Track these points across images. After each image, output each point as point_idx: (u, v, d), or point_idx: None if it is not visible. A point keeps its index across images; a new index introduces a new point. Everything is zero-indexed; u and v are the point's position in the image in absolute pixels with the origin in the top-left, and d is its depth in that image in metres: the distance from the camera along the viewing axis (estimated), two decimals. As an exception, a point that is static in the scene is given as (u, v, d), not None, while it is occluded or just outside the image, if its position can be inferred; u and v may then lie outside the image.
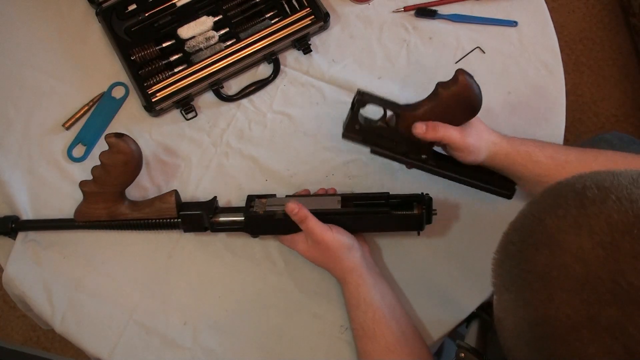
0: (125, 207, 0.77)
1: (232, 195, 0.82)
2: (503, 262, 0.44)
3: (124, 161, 0.74)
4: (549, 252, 0.39)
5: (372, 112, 0.73)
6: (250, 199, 0.78)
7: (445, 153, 0.75)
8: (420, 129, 0.69)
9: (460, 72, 0.68)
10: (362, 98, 0.71)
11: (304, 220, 0.71)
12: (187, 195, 0.83)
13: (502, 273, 0.44)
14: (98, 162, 0.75)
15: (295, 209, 0.71)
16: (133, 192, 0.82)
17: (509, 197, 0.73)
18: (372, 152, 0.73)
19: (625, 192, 0.38)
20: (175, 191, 0.78)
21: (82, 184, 0.76)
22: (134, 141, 0.76)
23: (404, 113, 0.71)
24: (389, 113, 0.72)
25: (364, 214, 0.74)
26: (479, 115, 0.71)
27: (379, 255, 0.80)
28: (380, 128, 0.72)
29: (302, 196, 0.78)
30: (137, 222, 0.77)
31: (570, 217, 0.39)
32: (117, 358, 0.77)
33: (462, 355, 0.66)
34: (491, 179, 0.74)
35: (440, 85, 0.70)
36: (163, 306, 0.79)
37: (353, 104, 0.72)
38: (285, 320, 0.78)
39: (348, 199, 0.76)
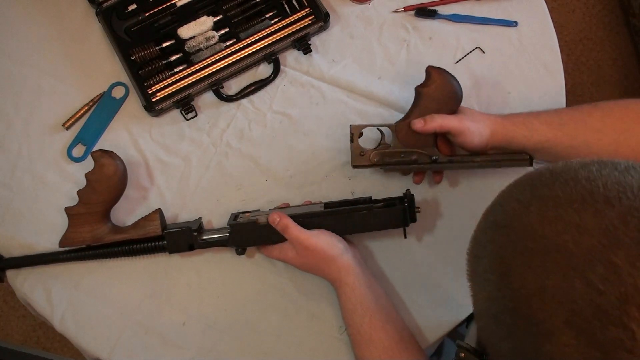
0: (110, 229, 0.77)
1: (230, 195, 0.83)
2: (473, 249, 0.48)
3: (108, 175, 0.76)
4: (504, 232, 0.43)
5: (370, 141, 0.79)
6: (235, 214, 0.79)
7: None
8: (419, 124, 0.72)
9: (430, 68, 0.74)
10: (355, 126, 0.75)
11: (286, 229, 0.72)
12: (187, 196, 0.83)
13: (472, 259, 0.48)
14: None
15: (276, 219, 0.73)
16: (132, 192, 0.82)
17: (529, 162, 0.73)
18: (385, 170, 0.75)
19: (572, 174, 0.42)
20: (160, 210, 0.78)
21: (68, 209, 0.77)
22: (119, 157, 0.78)
23: (399, 125, 0.74)
24: (386, 133, 0.76)
25: (347, 213, 0.75)
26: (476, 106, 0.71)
27: (376, 257, 0.80)
28: (384, 148, 0.75)
29: (286, 208, 0.79)
30: (121, 248, 0.77)
31: (524, 200, 0.43)
32: (117, 358, 0.77)
33: (462, 355, 0.66)
34: (502, 155, 0.74)
35: (418, 87, 0.74)
36: (162, 306, 0.79)
37: (351, 136, 0.75)
38: (284, 320, 0.78)
39: (331, 205, 0.77)
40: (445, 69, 0.74)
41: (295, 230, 0.72)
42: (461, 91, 0.74)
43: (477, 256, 0.47)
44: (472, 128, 0.71)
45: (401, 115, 0.76)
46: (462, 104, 0.85)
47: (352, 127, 0.75)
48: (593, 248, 0.38)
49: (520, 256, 0.41)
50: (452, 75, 0.74)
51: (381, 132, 0.76)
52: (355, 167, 0.76)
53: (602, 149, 0.68)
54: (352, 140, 0.75)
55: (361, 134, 0.75)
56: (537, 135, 0.70)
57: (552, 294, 0.38)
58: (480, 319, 0.47)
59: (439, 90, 0.73)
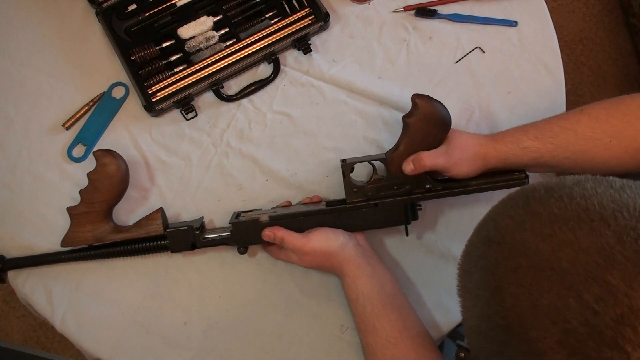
0: (112, 229, 0.77)
1: (231, 195, 0.83)
2: (463, 264, 0.47)
3: (110, 174, 0.76)
4: (498, 249, 0.43)
5: (363, 173, 0.79)
6: (237, 213, 0.79)
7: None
8: (409, 168, 0.72)
9: (415, 97, 0.72)
10: (346, 163, 0.74)
11: (283, 241, 0.73)
12: (188, 196, 0.83)
13: (463, 274, 0.47)
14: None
15: (271, 235, 0.74)
16: (133, 192, 0.82)
17: (525, 181, 0.72)
18: (380, 205, 0.74)
19: (567, 190, 0.42)
20: (162, 209, 0.79)
21: (70, 208, 0.77)
22: (121, 157, 0.78)
23: (390, 157, 0.73)
24: (378, 165, 0.75)
25: (349, 211, 0.75)
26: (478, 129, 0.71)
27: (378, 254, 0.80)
28: (377, 181, 0.74)
29: (288, 207, 0.79)
30: (123, 248, 0.77)
31: (517, 216, 0.43)
32: (118, 358, 0.77)
33: (462, 355, 0.66)
34: (498, 176, 0.74)
35: (405, 117, 0.73)
36: (163, 306, 0.79)
37: (343, 172, 0.74)
38: (286, 320, 0.78)
39: (333, 203, 0.77)
40: (430, 95, 0.72)
41: (291, 240, 0.73)
42: (449, 116, 0.72)
43: (468, 271, 0.46)
44: (460, 161, 0.70)
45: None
46: (462, 104, 0.85)
47: (343, 164, 0.74)
48: (588, 267, 0.37)
49: (513, 273, 0.41)
50: (439, 102, 0.72)
51: (373, 165, 0.75)
52: (350, 203, 0.75)
53: (597, 155, 0.68)
54: (344, 176, 0.74)
55: (352, 169, 0.74)
56: (530, 153, 0.70)
57: (546, 313, 0.38)
58: (470, 335, 0.46)
59: (425, 118, 0.71)
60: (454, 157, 0.70)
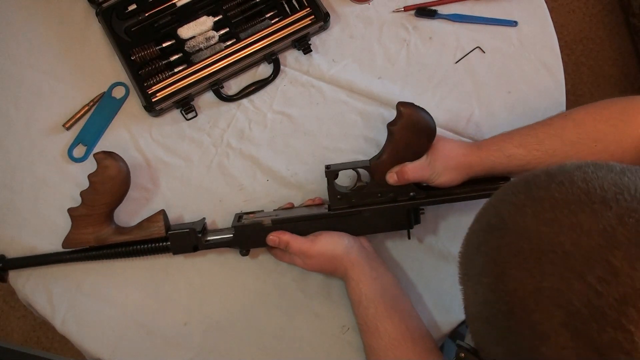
0: (113, 231, 0.77)
1: (232, 196, 0.83)
2: (465, 252, 0.47)
3: (111, 176, 0.76)
4: (499, 235, 0.43)
5: (347, 178, 0.80)
6: (239, 215, 0.79)
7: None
8: (392, 179, 0.72)
9: (399, 105, 0.71)
10: (330, 170, 0.74)
11: (288, 245, 0.73)
12: (189, 196, 0.83)
13: (465, 262, 0.47)
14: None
15: (276, 240, 0.74)
16: (134, 193, 0.82)
17: None
18: (365, 212, 0.74)
19: (568, 175, 0.42)
20: (163, 211, 0.78)
21: (71, 210, 0.76)
22: (122, 159, 0.78)
23: (373, 165, 0.73)
24: (362, 172, 0.75)
25: (351, 215, 0.75)
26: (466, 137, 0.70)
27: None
28: (361, 188, 0.74)
29: (290, 209, 0.79)
30: (125, 249, 0.77)
31: (519, 202, 0.43)
32: (118, 359, 0.77)
33: (462, 355, 0.66)
34: (483, 184, 0.74)
35: (389, 125, 0.72)
36: (164, 306, 0.79)
37: (327, 179, 0.74)
38: (287, 320, 0.78)
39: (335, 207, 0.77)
40: (414, 103, 0.71)
41: (296, 244, 0.73)
42: (434, 124, 0.71)
43: (470, 258, 0.46)
44: (444, 171, 0.71)
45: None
46: (461, 104, 0.85)
47: (327, 171, 0.74)
48: (591, 249, 0.37)
49: (515, 258, 0.41)
50: (423, 109, 0.71)
51: (357, 172, 0.75)
52: (333, 210, 0.75)
53: (583, 160, 0.68)
54: (328, 183, 0.74)
55: (337, 176, 0.74)
56: (515, 160, 0.70)
57: (549, 296, 0.38)
58: (472, 323, 0.46)
59: (409, 127, 0.71)
60: (437, 168, 0.71)
